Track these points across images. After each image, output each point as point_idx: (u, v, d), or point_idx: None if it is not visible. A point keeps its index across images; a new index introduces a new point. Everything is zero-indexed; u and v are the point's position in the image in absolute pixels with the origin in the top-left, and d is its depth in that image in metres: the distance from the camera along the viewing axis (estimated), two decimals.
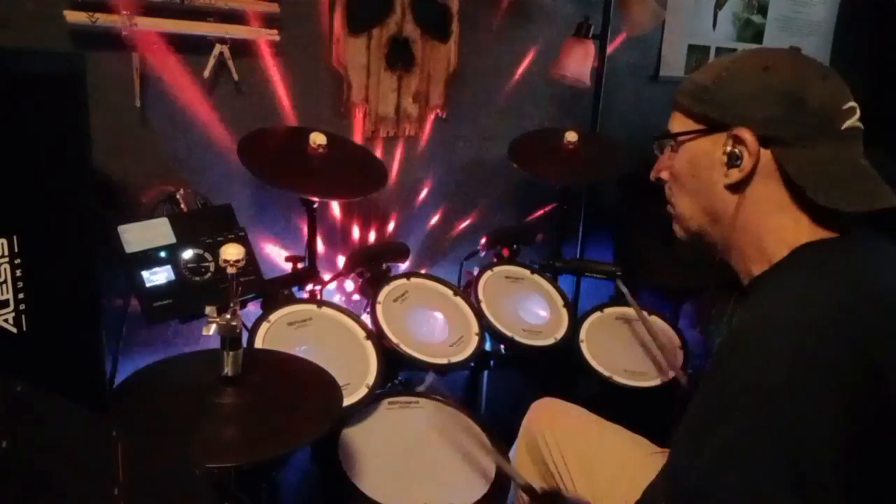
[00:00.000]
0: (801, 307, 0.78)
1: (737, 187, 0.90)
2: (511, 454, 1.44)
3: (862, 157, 0.89)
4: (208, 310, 1.14)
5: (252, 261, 1.65)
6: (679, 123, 0.96)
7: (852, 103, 0.87)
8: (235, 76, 1.96)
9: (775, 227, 0.88)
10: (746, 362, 0.75)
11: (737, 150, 0.88)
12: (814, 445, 0.70)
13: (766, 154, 0.87)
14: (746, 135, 0.87)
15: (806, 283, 0.82)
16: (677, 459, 0.83)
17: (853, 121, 0.87)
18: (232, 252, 1.14)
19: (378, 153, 2.32)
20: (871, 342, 0.75)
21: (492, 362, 1.98)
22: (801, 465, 0.69)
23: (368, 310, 1.75)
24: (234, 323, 1.14)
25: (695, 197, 0.95)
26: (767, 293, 0.85)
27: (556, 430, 1.36)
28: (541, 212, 2.80)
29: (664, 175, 1.01)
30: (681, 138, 0.95)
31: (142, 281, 1.51)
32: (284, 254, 2.06)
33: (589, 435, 1.35)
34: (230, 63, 1.95)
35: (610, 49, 2.55)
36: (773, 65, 0.88)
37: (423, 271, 2.05)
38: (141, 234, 1.55)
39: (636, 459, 1.28)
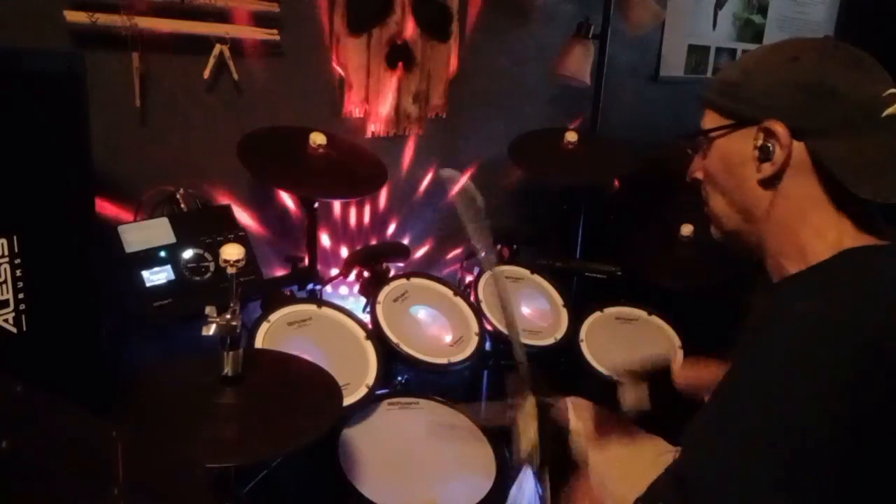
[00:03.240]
0: (849, 314, 0.75)
1: (770, 182, 0.86)
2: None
3: None
4: (208, 310, 1.14)
5: (252, 261, 1.65)
6: (710, 121, 0.93)
7: (894, 90, 0.83)
8: (235, 76, 1.96)
9: (814, 225, 0.85)
10: (787, 363, 0.74)
11: (768, 144, 0.85)
12: (833, 454, 0.69)
13: (799, 147, 0.83)
14: (777, 126, 0.84)
15: (852, 291, 0.78)
16: (690, 453, 0.80)
17: (895, 108, 0.82)
18: (232, 252, 1.14)
19: (378, 153, 2.32)
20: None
21: (491, 362, 1.98)
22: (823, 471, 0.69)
23: (368, 310, 1.75)
24: (234, 323, 1.14)
25: (728, 195, 0.93)
26: (806, 294, 0.81)
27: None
28: (541, 212, 2.80)
29: (699, 175, 0.98)
30: (712, 135, 0.92)
31: (142, 281, 1.51)
32: (284, 254, 2.06)
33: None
34: (230, 63, 1.94)
35: (610, 49, 2.55)
36: (802, 55, 0.85)
37: (422, 271, 2.05)
38: (141, 234, 1.55)
39: (644, 458, 1.28)
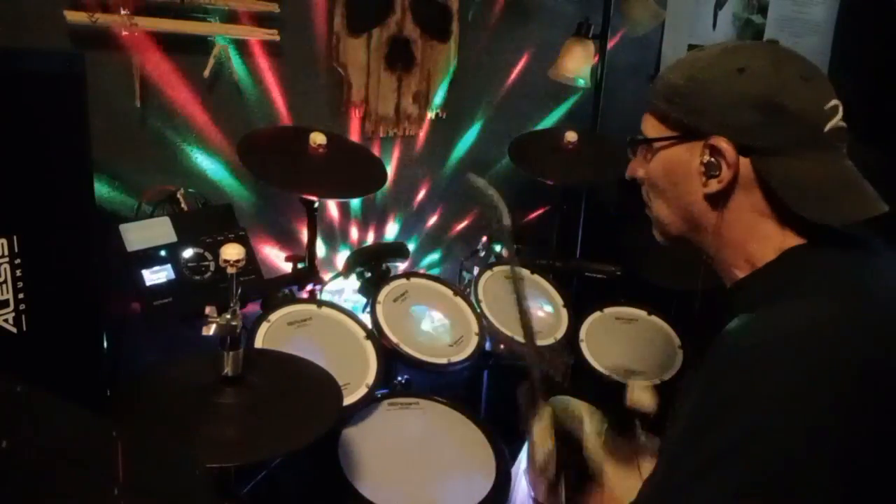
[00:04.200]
0: (794, 312, 0.75)
1: (716, 198, 0.86)
2: (522, 455, 1.43)
3: (846, 157, 0.85)
4: (208, 310, 1.14)
5: (252, 261, 1.65)
6: (652, 127, 0.91)
7: (835, 101, 0.83)
8: (235, 76, 1.96)
9: (760, 235, 0.85)
10: (742, 366, 0.74)
11: (714, 161, 0.83)
12: (815, 453, 0.69)
13: (745, 163, 0.83)
14: (724, 144, 0.82)
15: (799, 289, 0.79)
16: (668, 460, 0.81)
17: (836, 120, 0.82)
18: (232, 252, 1.14)
19: (378, 153, 2.32)
20: (880, 345, 0.73)
21: (491, 362, 1.97)
22: (801, 473, 0.69)
23: (368, 310, 1.75)
24: (234, 323, 1.14)
25: (673, 204, 0.91)
26: (756, 298, 0.81)
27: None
28: (541, 212, 2.80)
29: (639, 174, 0.96)
30: (655, 144, 0.90)
31: (142, 280, 1.51)
32: (284, 254, 2.06)
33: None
34: (230, 63, 1.95)
35: (610, 49, 2.55)
36: (750, 66, 0.83)
37: (422, 271, 2.05)
38: (142, 233, 1.55)
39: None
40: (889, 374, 0.72)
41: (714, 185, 0.85)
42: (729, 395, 0.73)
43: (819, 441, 0.69)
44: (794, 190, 0.81)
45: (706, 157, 0.84)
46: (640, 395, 1.28)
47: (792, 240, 0.84)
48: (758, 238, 0.85)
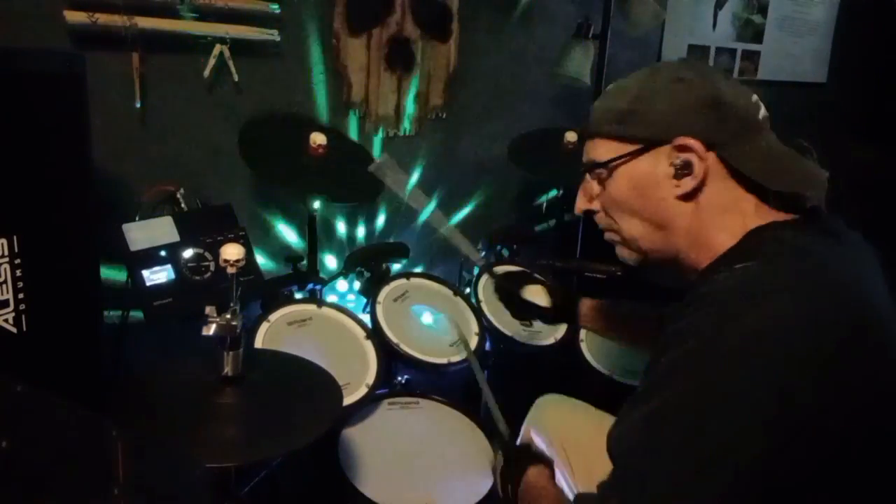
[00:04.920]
0: (763, 307, 0.75)
1: (690, 195, 0.89)
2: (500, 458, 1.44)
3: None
4: (208, 310, 1.14)
5: (252, 261, 1.65)
6: (605, 150, 0.95)
7: (755, 96, 0.91)
8: (235, 76, 1.96)
9: (732, 221, 0.88)
10: (705, 355, 0.75)
11: (686, 159, 0.88)
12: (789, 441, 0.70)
13: (710, 156, 0.88)
14: (691, 141, 0.87)
15: (767, 258, 0.81)
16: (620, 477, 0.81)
17: (763, 110, 0.91)
18: (232, 252, 1.13)
19: (378, 153, 2.32)
20: (847, 326, 0.74)
21: (491, 362, 1.97)
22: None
23: (368, 310, 1.75)
24: (234, 323, 1.14)
25: (642, 216, 0.94)
26: (718, 283, 0.82)
27: (559, 426, 1.35)
28: (541, 212, 2.80)
29: (594, 206, 1.00)
30: (615, 164, 0.94)
31: (142, 280, 1.51)
32: (284, 254, 2.06)
33: (592, 431, 1.35)
34: (230, 63, 1.95)
35: (610, 49, 2.55)
36: (684, 76, 0.90)
37: (422, 271, 2.05)
38: (145, 233, 1.55)
39: None
40: (864, 354, 0.74)
41: (689, 183, 0.89)
42: (711, 391, 0.74)
43: (803, 426, 0.71)
44: (758, 169, 0.87)
45: (676, 159, 0.89)
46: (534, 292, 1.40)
47: (753, 221, 0.88)
48: (727, 225, 0.88)
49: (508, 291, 1.49)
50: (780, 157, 0.90)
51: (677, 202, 0.90)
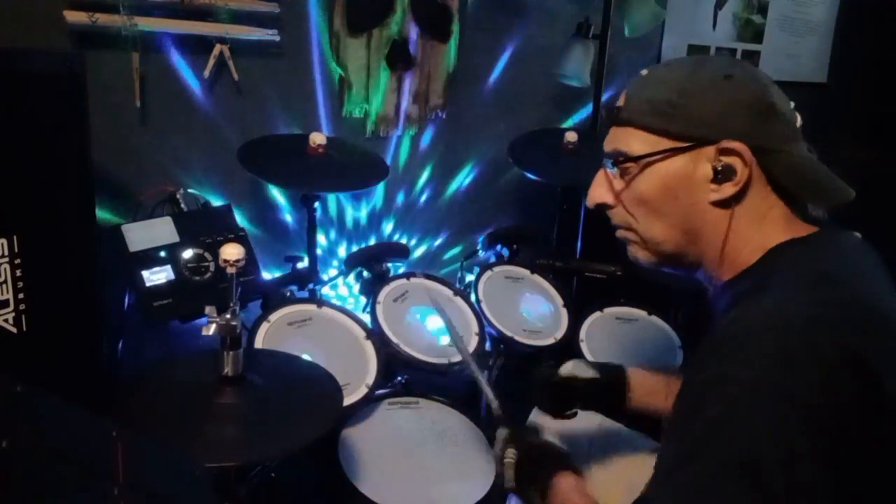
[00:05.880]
0: (781, 311, 0.74)
1: (726, 202, 0.84)
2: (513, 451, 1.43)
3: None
4: (208, 310, 1.14)
5: (252, 261, 1.65)
6: (640, 143, 0.87)
7: (793, 103, 0.88)
8: (235, 76, 1.96)
9: (757, 235, 0.85)
10: (726, 375, 0.71)
11: (729, 163, 0.83)
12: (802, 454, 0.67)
13: (754, 163, 0.84)
14: (739, 145, 0.82)
15: (784, 285, 0.78)
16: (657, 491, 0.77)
17: (799, 120, 0.87)
18: (232, 252, 1.13)
19: (377, 153, 2.32)
20: (859, 341, 0.71)
21: (492, 362, 1.97)
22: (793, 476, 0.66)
23: (368, 310, 1.75)
24: (234, 323, 1.14)
25: (669, 218, 0.88)
26: (743, 299, 0.81)
27: (559, 426, 1.35)
28: (541, 212, 2.80)
29: (609, 200, 0.93)
30: (648, 159, 0.87)
31: (142, 280, 1.51)
32: (284, 254, 2.06)
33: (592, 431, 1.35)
34: (230, 63, 1.95)
35: (610, 49, 2.55)
36: (732, 72, 0.85)
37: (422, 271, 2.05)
38: (144, 233, 1.55)
39: (637, 457, 1.28)
40: (866, 364, 0.71)
41: (729, 189, 0.84)
42: (717, 376, 0.72)
43: (809, 424, 0.68)
44: (795, 179, 0.84)
45: (719, 163, 0.83)
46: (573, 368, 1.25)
47: (776, 238, 0.85)
48: (754, 238, 0.85)
49: (546, 378, 1.27)
50: (816, 170, 0.86)
51: (710, 208, 0.85)
